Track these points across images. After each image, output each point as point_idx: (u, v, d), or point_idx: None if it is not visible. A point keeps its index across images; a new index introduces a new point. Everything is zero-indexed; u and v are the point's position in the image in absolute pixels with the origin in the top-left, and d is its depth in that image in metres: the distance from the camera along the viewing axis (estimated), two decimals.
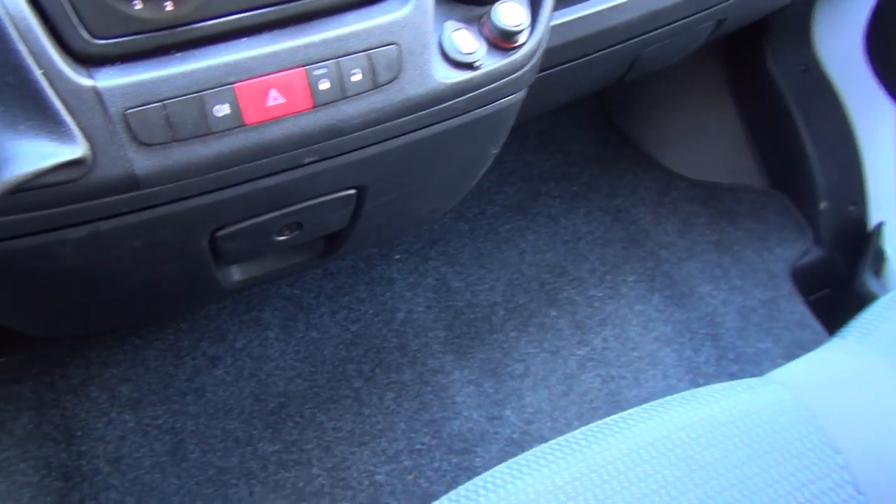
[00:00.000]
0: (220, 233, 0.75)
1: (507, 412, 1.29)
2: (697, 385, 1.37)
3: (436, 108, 0.74)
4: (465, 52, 0.74)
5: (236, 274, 0.87)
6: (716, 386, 0.74)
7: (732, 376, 1.40)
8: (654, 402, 0.72)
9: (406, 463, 1.21)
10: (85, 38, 0.61)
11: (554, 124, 1.70)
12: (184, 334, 1.32)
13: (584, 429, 0.70)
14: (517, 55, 0.76)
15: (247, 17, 0.66)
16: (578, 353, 1.37)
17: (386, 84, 0.70)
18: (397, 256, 1.45)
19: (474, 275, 1.45)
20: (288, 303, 1.36)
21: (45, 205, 0.64)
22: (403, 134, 0.75)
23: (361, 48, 0.69)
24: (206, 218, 0.73)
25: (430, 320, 1.37)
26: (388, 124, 0.73)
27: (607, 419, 0.71)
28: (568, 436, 0.69)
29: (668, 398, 0.72)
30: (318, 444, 1.22)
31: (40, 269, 0.71)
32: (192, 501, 1.15)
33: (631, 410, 0.72)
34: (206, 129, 0.65)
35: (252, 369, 1.29)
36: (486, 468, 1.22)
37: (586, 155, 1.67)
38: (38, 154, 0.60)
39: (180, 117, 0.64)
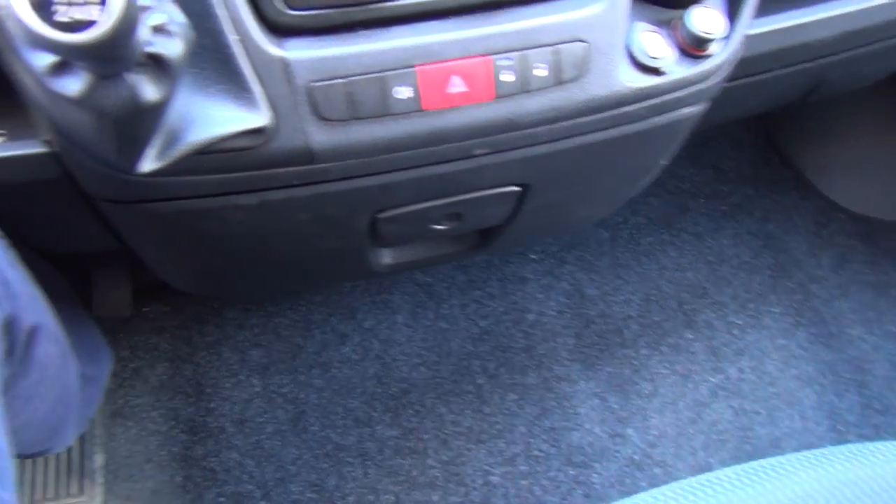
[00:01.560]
0: (381, 215, 0.75)
1: (630, 431, 1.24)
2: (837, 432, 1.28)
3: (616, 111, 0.71)
4: (653, 55, 0.70)
5: (387, 257, 0.87)
6: (888, 443, 0.68)
7: (876, 428, 1.30)
8: (816, 451, 0.67)
9: (522, 468, 1.19)
10: (280, 8, 0.62)
11: (709, 137, 1.63)
12: (315, 307, 1.33)
13: (736, 468, 0.65)
14: (708, 64, 0.72)
15: (439, 0, 0.65)
16: (711, 380, 1.31)
17: (569, 81, 0.68)
18: (533, 256, 1.42)
19: (610, 285, 1.41)
20: (419, 289, 1.36)
21: (223, 169, 0.65)
22: (577, 135, 0.72)
23: (549, 42, 0.66)
24: (372, 199, 0.72)
25: (560, 326, 1.34)
26: (564, 123, 0.70)
27: (763, 462, 0.66)
28: (718, 473, 0.65)
29: (835, 448, 0.67)
30: (435, 436, 1.21)
31: (209, 231, 0.72)
32: (308, 473, 1.17)
33: (789, 456, 0.67)
34: (385, 110, 0.64)
35: (378, 351, 1.29)
36: (603, 486, 1.19)
37: (741, 173, 1.59)
38: (224, 118, 0.61)
39: (362, 96, 0.64)
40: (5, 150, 0.70)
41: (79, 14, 0.38)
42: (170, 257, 0.82)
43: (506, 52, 0.65)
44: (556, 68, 0.67)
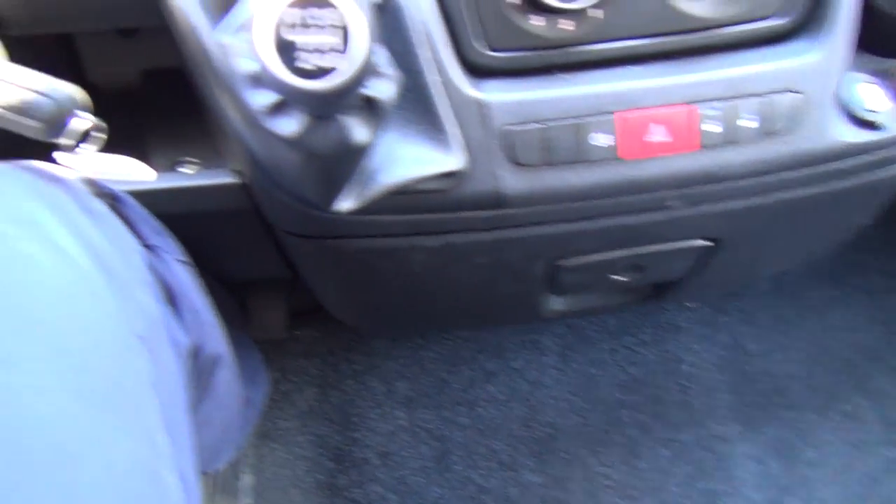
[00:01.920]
0: (562, 263, 0.72)
1: (793, 501, 1.16)
2: None
3: (826, 166, 0.66)
4: (870, 108, 0.65)
5: (557, 303, 0.84)
6: None
7: None
8: None
9: None
10: (480, 49, 0.60)
11: None
12: (463, 343, 1.32)
13: None
14: None
15: (641, 44, 0.62)
16: (887, 453, 1.20)
17: (778, 134, 0.63)
18: (689, 304, 1.35)
19: (772, 340, 1.32)
20: (569, 331, 1.32)
21: (412, 210, 0.64)
22: (781, 189, 0.67)
23: (758, 92, 0.62)
24: (555, 246, 0.70)
25: (717, 380, 1.27)
26: (769, 177, 0.65)
27: None
28: None
29: None
30: (583, 487, 1.16)
31: (387, 270, 0.72)
32: None
33: None
34: (580, 156, 0.62)
35: (525, 392, 1.26)
36: None
37: None
38: (420, 159, 0.60)
39: (557, 141, 0.61)
40: (198, 180, 0.72)
41: (322, 62, 0.38)
42: (341, 291, 0.82)
43: (711, 100, 0.62)
44: (766, 120, 0.62)
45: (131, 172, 0.62)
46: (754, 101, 0.62)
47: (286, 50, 0.38)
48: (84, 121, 0.56)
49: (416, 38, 0.58)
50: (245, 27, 0.52)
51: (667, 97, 0.62)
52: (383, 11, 0.58)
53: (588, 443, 1.21)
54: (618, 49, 0.62)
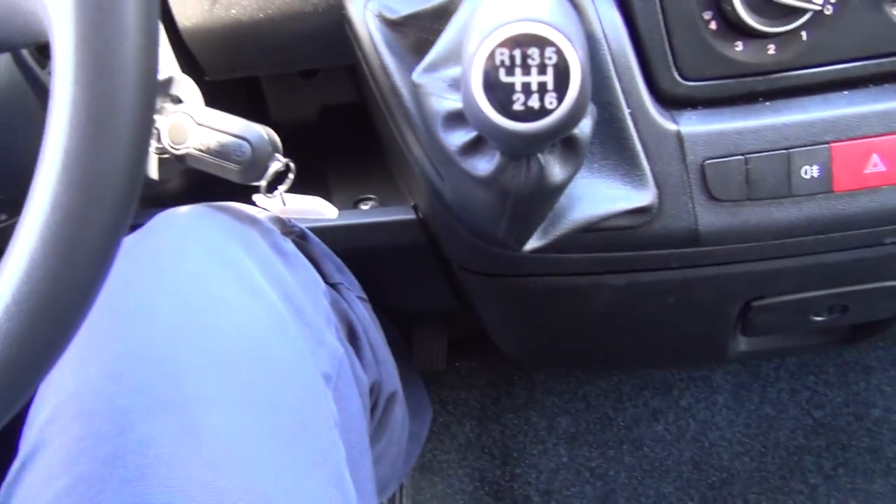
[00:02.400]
0: (756, 303, 0.67)
1: None
2: None
3: None
4: None
5: (743, 344, 0.78)
6: None
7: None
8: None
9: None
10: (674, 79, 0.57)
11: None
12: (627, 379, 1.26)
13: None
14: None
15: (855, 67, 0.57)
16: None
17: None
18: (880, 343, 1.24)
19: None
20: (743, 369, 1.24)
21: (598, 248, 0.61)
22: None
23: None
24: (750, 285, 0.65)
25: None
26: None
27: None
28: None
29: None
30: None
31: (567, 308, 0.69)
32: None
33: None
34: (786, 190, 0.57)
35: (695, 433, 1.19)
36: None
37: None
38: (610, 196, 0.57)
39: (761, 174, 0.57)
40: (377, 216, 0.72)
41: (536, 104, 0.36)
42: (516, 327, 0.80)
43: None
44: None
45: (318, 211, 0.63)
46: None
47: (495, 90, 0.36)
48: (279, 162, 0.56)
49: (610, 69, 0.56)
50: (440, 67, 0.51)
51: (889, 124, 0.56)
52: None
53: (766, 490, 1.13)
54: (830, 73, 0.57)
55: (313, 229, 0.68)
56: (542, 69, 0.36)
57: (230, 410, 0.46)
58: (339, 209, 0.75)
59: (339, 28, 0.61)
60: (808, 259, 0.62)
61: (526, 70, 0.36)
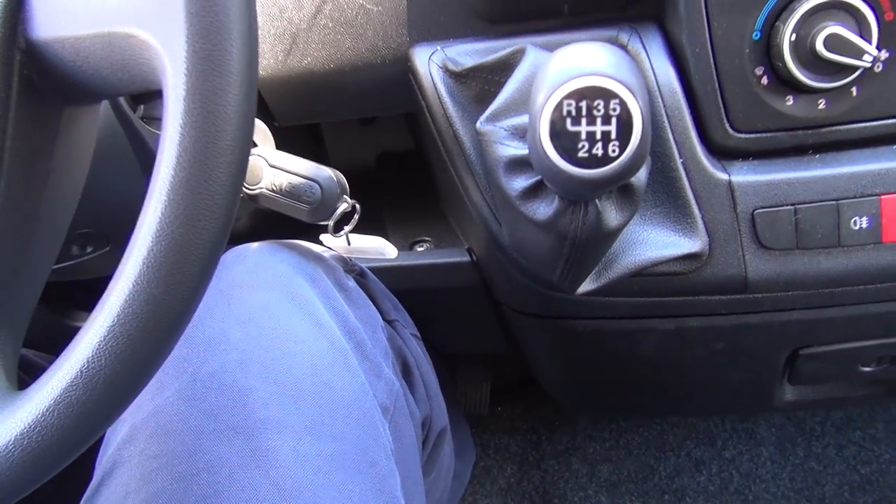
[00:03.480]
0: (804, 351, 0.68)
1: None
2: None
3: None
4: None
5: (790, 393, 0.79)
6: None
7: None
8: None
9: None
10: (726, 131, 0.59)
11: None
12: (670, 428, 1.26)
13: None
14: None
15: None
16: None
17: None
18: None
19: None
20: (788, 422, 1.23)
21: (649, 293, 0.63)
22: None
23: None
24: (798, 334, 0.66)
25: None
26: None
27: None
28: None
29: None
30: None
31: (615, 351, 0.70)
32: None
33: None
34: (835, 240, 0.59)
35: (739, 485, 1.18)
36: None
37: None
38: (661, 242, 0.59)
39: (811, 224, 0.58)
40: (433, 258, 0.75)
41: (600, 151, 0.38)
42: (563, 369, 0.82)
43: None
44: None
45: (379, 251, 0.66)
46: None
47: (562, 137, 0.39)
48: (346, 203, 0.59)
49: (665, 120, 0.58)
50: (502, 116, 0.54)
51: None
52: None
53: None
54: (881, 127, 0.58)
55: (371, 269, 0.71)
56: (606, 119, 0.38)
57: (295, 436, 0.48)
58: (404, 252, 0.78)
59: (403, 78, 0.64)
60: (856, 309, 0.63)
61: (591, 120, 0.39)
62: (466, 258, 0.73)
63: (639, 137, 0.38)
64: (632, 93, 0.38)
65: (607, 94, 0.38)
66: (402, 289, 0.74)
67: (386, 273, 0.72)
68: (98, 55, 0.37)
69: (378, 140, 0.93)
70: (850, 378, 0.74)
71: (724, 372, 0.72)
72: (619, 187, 0.50)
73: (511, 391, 1.33)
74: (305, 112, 0.72)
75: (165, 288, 0.34)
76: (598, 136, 0.39)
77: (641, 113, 0.38)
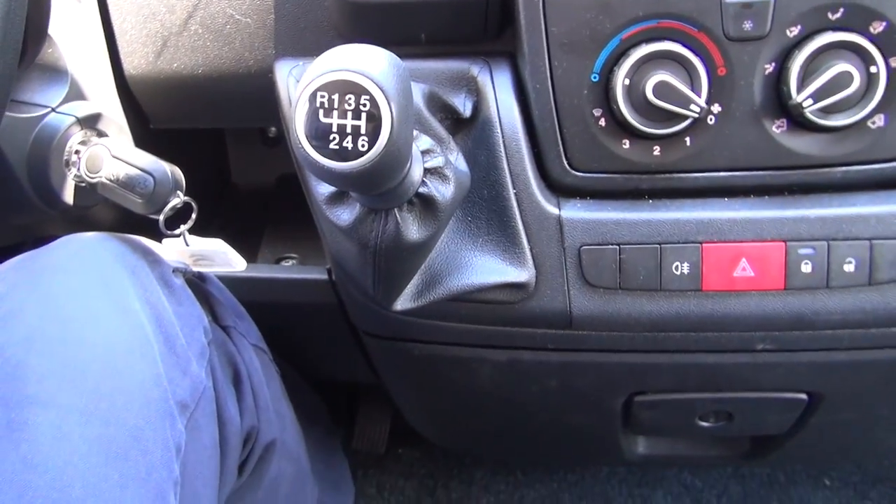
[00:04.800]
0: (638, 398, 0.68)
1: None
2: None
3: None
4: None
5: (641, 446, 0.78)
6: None
7: None
8: None
9: None
10: (564, 168, 0.60)
11: None
12: (567, 487, 1.24)
13: None
14: None
15: (735, 177, 0.59)
16: None
17: (884, 283, 0.57)
18: (827, 482, 1.22)
19: None
20: (685, 492, 1.22)
21: (477, 320, 0.63)
22: (890, 347, 0.61)
23: (865, 235, 0.57)
24: (628, 378, 0.66)
25: None
26: (873, 330, 0.59)
27: None
28: None
29: None
30: None
31: (457, 380, 0.70)
32: None
33: None
34: (656, 284, 0.59)
35: None
36: None
37: None
38: (487, 269, 0.59)
39: (634, 266, 0.59)
40: (288, 272, 0.75)
41: (350, 145, 0.39)
42: (417, 399, 0.81)
43: (808, 240, 0.58)
44: (870, 265, 0.57)
45: (224, 258, 0.66)
46: (858, 244, 0.57)
47: (316, 129, 0.40)
48: (178, 199, 0.60)
49: (501, 152, 0.59)
50: None
51: (759, 232, 0.58)
52: (471, 124, 0.60)
53: None
54: (710, 179, 0.59)
55: (225, 279, 0.71)
56: (356, 114, 0.39)
57: (61, 415, 0.48)
58: (261, 264, 0.78)
59: (270, 92, 0.66)
60: (682, 357, 0.63)
61: (342, 114, 0.40)
62: (324, 276, 0.73)
63: (388, 135, 0.39)
64: (382, 91, 0.39)
65: (358, 90, 0.39)
66: (261, 301, 0.74)
67: (241, 284, 0.72)
68: None
69: (281, 162, 0.94)
70: (693, 432, 0.74)
71: (565, 413, 0.72)
72: (421, 201, 0.51)
73: (414, 434, 1.31)
74: (177, 115, 0.73)
75: None
76: (349, 129, 0.40)
77: (392, 111, 0.39)
